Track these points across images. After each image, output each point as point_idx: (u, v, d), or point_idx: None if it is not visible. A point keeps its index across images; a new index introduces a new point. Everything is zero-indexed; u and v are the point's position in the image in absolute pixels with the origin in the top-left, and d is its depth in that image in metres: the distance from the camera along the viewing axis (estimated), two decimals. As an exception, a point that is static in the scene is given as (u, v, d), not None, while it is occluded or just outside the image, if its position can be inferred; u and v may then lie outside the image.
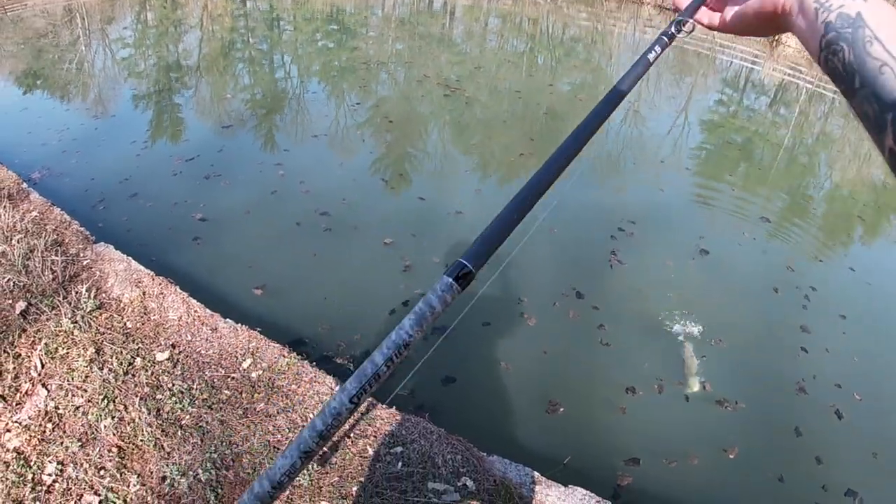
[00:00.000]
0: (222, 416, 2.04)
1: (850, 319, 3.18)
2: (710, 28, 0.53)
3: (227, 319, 2.46)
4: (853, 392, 2.70)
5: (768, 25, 0.43)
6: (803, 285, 3.41)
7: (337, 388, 2.28)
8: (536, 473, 1.98)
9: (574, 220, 3.79)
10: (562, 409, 2.42)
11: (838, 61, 0.34)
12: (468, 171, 4.58)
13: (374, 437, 1.99)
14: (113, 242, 2.88)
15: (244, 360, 2.26)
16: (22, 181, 3.41)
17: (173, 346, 2.32)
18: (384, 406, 2.14)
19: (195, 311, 2.48)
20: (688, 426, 2.46)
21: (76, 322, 2.32)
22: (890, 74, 0.31)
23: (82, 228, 2.98)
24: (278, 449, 1.93)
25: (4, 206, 2.94)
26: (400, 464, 1.90)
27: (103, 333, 2.31)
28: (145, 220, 3.36)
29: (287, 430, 1.99)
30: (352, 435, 2.00)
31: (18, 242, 2.67)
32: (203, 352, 2.30)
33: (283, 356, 2.29)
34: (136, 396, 2.06)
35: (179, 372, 2.21)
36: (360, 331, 2.70)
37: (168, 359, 2.25)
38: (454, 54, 7.65)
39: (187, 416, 2.04)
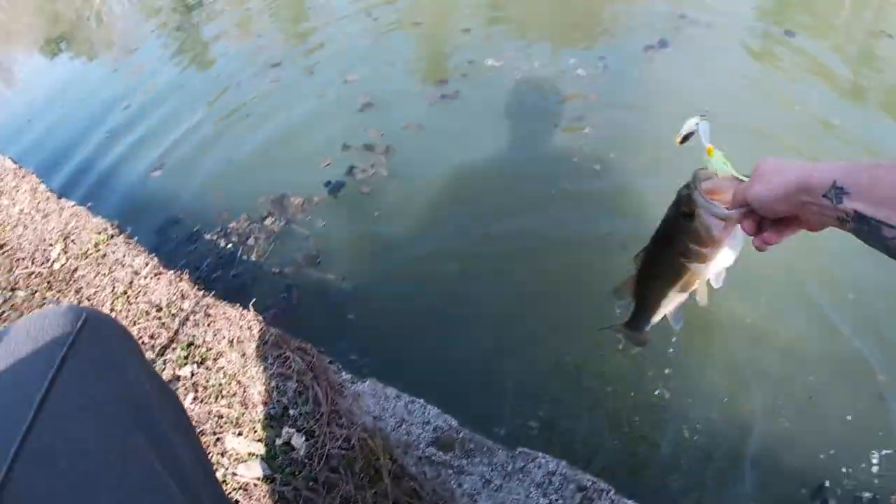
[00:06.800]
0: (5, 326, 1.34)
1: None
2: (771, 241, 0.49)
3: (61, 199, 1.74)
4: None
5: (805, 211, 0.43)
6: None
7: (148, 268, 1.40)
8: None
9: None
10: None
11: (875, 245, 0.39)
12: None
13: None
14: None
15: (55, 248, 1.52)
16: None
17: (1, 246, 1.68)
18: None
19: (36, 201, 1.81)
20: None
21: None
22: None
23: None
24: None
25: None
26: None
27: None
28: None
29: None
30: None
31: None
32: (24, 245, 1.63)
33: (98, 234, 1.49)
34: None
35: (-8, 278, 1.56)
36: (269, 192, 1.79)
37: (-14, 264, 1.62)
38: None
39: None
